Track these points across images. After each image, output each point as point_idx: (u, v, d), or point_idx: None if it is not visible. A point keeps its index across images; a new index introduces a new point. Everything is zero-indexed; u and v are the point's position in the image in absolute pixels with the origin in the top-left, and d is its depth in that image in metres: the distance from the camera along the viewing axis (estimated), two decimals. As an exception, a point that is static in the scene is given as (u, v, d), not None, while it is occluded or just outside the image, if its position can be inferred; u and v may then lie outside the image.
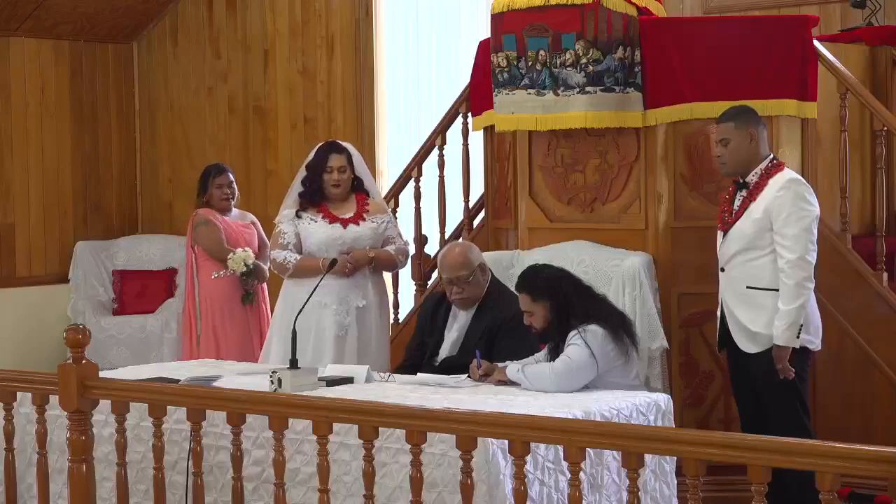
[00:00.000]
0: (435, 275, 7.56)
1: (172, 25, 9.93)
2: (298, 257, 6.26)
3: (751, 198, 5.32)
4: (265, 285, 7.48)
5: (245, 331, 7.34)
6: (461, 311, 5.83)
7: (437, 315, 5.92)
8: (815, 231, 5.26)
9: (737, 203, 5.38)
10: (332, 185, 6.33)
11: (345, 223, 6.31)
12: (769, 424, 5.27)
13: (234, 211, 7.54)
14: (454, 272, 5.74)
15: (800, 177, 5.38)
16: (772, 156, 5.41)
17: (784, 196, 5.23)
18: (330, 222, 6.30)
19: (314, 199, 6.34)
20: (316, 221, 6.30)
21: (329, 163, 6.34)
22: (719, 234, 5.45)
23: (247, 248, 7.21)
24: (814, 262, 5.23)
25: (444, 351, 5.82)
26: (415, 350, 5.97)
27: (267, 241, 7.47)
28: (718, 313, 5.49)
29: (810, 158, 6.14)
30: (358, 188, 6.44)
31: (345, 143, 6.50)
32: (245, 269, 7.17)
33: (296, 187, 6.41)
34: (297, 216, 6.33)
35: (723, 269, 5.42)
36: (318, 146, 6.49)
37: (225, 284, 7.27)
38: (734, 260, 5.35)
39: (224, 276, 7.28)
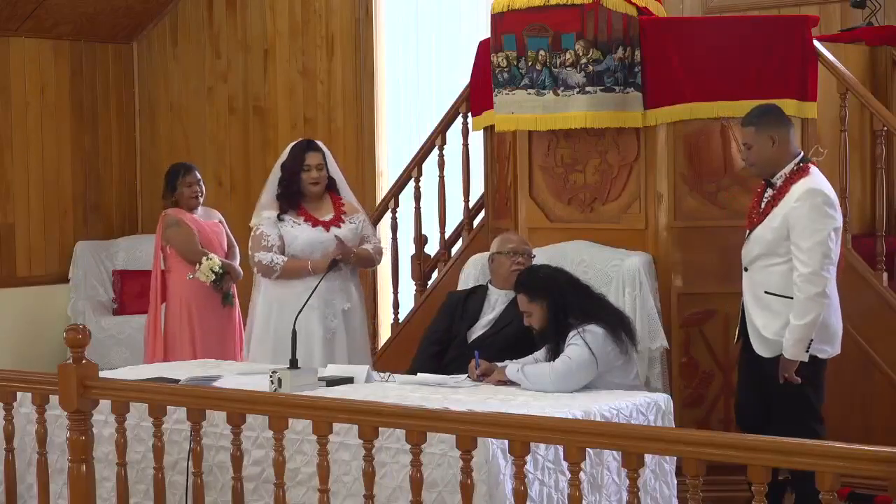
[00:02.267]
0: (435, 274, 7.58)
1: (172, 25, 9.93)
2: (285, 259, 6.26)
3: (774, 202, 5.25)
4: (234, 285, 7.43)
5: (222, 332, 7.30)
6: (500, 296, 5.83)
7: (469, 302, 5.93)
8: (833, 244, 5.15)
9: (764, 203, 5.32)
10: (311, 182, 6.32)
11: (327, 226, 6.32)
12: (773, 426, 5.24)
13: (199, 209, 7.49)
14: (522, 244, 5.92)
15: (821, 186, 5.22)
16: (801, 155, 5.31)
17: (801, 208, 5.15)
18: (313, 225, 6.30)
19: (293, 199, 6.34)
20: (299, 224, 6.30)
21: (307, 161, 6.33)
22: (747, 231, 5.40)
23: (212, 256, 7.16)
24: (830, 276, 5.15)
25: (478, 329, 5.83)
26: (441, 333, 5.93)
27: (234, 239, 7.46)
28: (741, 307, 5.44)
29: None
30: (330, 187, 6.45)
31: (318, 142, 6.51)
32: (213, 276, 7.14)
33: (271, 189, 6.40)
34: (279, 219, 6.32)
35: (746, 269, 5.38)
36: (291, 145, 6.46)
37: (200, 285, 7.22)
38: (756, 263, 5.31)
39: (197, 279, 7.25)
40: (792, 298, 5.18)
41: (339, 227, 6.34)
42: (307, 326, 6.11)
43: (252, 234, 6.38)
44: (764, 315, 5.28)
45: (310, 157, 6.35)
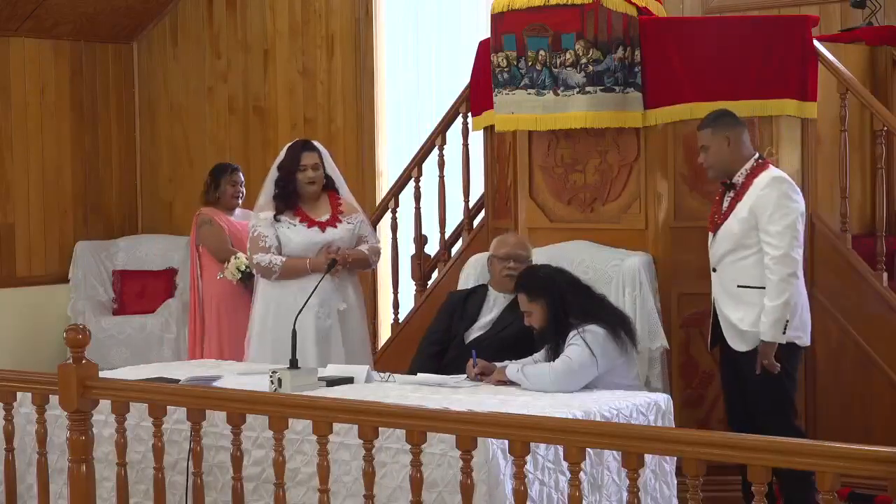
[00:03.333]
0: (435, 275, 7.58)
1: (172, 25, 9.93)
2: (284, 259, 6.26)
3: (738, 198, 5.40)
4: None
5: None
6: (498, 297, 5.83)
7: (469, 302, 5.93)
8: (801, 227, 5.33)
9: (725, 204, 5.46)
10: (308, 182, 6.33)
11: (322, 226, 6.32)
12: (755, 422, 5.29)
13: (238, 211, 7.56)
14: (516, 248, 5.85)
15: (784, 174, 5.43)
16: (757, 155, 5.48)
17: (768, 194, 5.30)
18: (308, 226, 6.31)
19: (289, 200, 6.34)
20: (294, 225, 6.30)
21: (303, 161, 6.34)
22: (710, 235, 5.53)
23: (240, 255, 7.21)
24: (799, 258, 5.30)
25: (475, 331, 5.82)
26: (441, 333, 5.94)
27: None
28: (711, 312, 5.54)
29: (810, 158, 6.14)
30: (329, 187, 6.45)
31: (315, 142, 6.53)
32: (240, 275, 7.19)
33: (268, 189, 6.40)
34: (276, 220, 6.33)
35: (714, 269, 5.49)
36: (288, 146, 6.48)
37: (229, 285, 7.27)
38: (724, 260, 5.43)
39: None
40: (765, 288, 5.25)
41: (336, 227, 6.34)
42: (301, 326, 6.10)
43: (250, 235, 6.40)
44: (739, 308, 5.37)
45: (306, 157, 6.35)
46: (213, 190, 7.54)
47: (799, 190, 5.40)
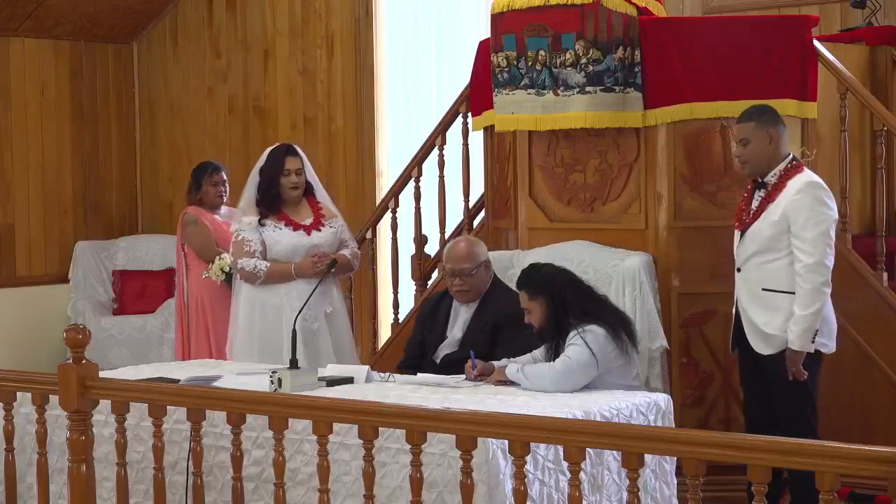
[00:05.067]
0: (435, 275, 7.58)
1: (172, 25, 9.94)
2: (268, 265, 6.28)
3: (769, 199, 5.28)
4: None
5: None
6: (461, 306, 5.84)
7: (438, 312, 5.94)
8: (833, 234, 5.23)
9: (755, 203, 5.34)
10: (291, 187, 6.36)
11: (308, 230, 6.36)
12: (780, 425, 5.25)
13: (224, 209, 7.54)
14: (458, 264, 5.79)
15: (819, 179, 5.31)
16: (791, 155, 5.37)
17: (802, 199, 5.19)
18: (294, 229, 6.34)
19: (272, 205, 6.36)
20: (280, 229, 6.33)
21: (286, 165, 6.37)
22: (736, 233, 5.42)
23: (224, 255, 7.21)
24: (831, 265, 5.19)
25: (446, 347, 5.82)
26: (415, 347, 5.97)
27: None
28: (733, 312, 5.46)
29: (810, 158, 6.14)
30: (308, 192, 6.48)
31: (297, 147, 6.55)
32: (224, 276, 7.18)
33: (250, 193, 6.42)
34: (261, 224, 6.34)
35: (739, 270, 5.39)
36: (269, 150, 6.50)
37: (214, 284, 7.26)
38: (751, 261, 5.32)
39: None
40: (792, 293, 5.19)
41: (320, 230, 6.38)
42: (287, 328, 6.10)
43: (233, 239, 6.41)
44: (764, 312, 5.28)
45: (289, 161, 6.38)
46: (195, 191, 7.52)
47: (832, 196, 5.28)
